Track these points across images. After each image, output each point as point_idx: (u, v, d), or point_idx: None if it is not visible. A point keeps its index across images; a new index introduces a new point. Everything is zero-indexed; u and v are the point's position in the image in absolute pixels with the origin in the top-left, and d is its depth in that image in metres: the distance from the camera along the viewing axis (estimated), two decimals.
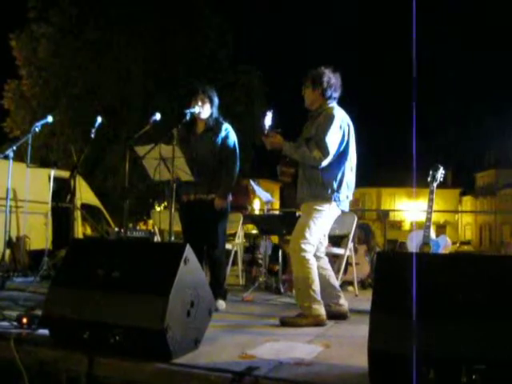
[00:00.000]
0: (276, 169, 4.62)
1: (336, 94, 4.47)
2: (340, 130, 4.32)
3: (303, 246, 4.23)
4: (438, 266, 2.72)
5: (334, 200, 4.33)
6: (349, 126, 4.42)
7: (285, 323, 4.16)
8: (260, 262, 7.10)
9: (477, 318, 2.46)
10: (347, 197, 4.44)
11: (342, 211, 4.48)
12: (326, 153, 4.21)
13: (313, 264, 4.26)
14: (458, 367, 2.37)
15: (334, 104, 4.47)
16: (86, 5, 20.32)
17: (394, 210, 53.67)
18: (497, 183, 55.44)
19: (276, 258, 6.78)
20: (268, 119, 4.43)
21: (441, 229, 43.96)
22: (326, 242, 4.63)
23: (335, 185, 4.34)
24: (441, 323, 2.49)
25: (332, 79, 4.42)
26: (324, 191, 4.32)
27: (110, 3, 20.43)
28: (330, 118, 4.30)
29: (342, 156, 4.36)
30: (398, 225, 47.17)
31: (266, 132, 4.40)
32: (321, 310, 4.20)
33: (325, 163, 4.25)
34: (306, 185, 4.42)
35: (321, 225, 4.34)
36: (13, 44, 20.77)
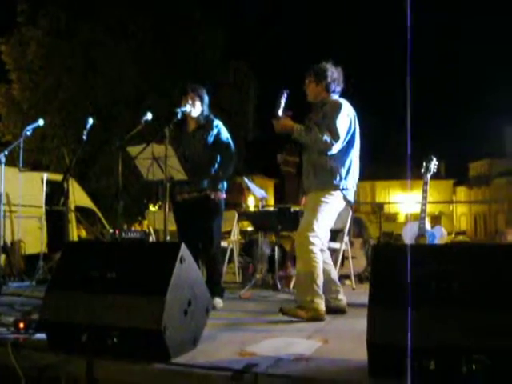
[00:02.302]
0: (270, 164, 4.59)
1: (339, 88, 4.52)
2: (347, 117, 4.36)
3: (311, 239, 4.22)
4: (434, 256, 2.72)
5: (342, 188, 4.34)
6: (354, 116, 4.47)
7: (284, 312, 4.16)
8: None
9: (475, 307, 2.46)
10: (353, 186, 4.47)
11: (349, 202, 4.47)
12: (336, 137, 4.23)
13: (319, 258, 4.26)
14: (457, 357, 2.37)
15: (337, 97, 4.51)
16: (75, 7, 20.24)
17: (388, 203, 53.66)
18: (490, 173, 55.55)
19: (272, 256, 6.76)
20: (283, 99, 4.42)
21: (436, 220, 44.05)
22: (328, 235, 4.63)
23: (343, 172, 4.35)
24: (439, 313, 2.49)
25: (335, 73, 4.48)
26: (332, 178, 4.33)
27: (100, 5, 20.37)
28: (337, 106, 4.35)
29: (349, 144, 4.40)
30: (392, 217, 47.15)
31: (279, 113, 4.38)
32: (321, 305, 4.20)
33: (335, 149, 4.26)
34: (312, 173, 4.42)
35: (328, 217, 4.34)
36: (2, 48, 20.68)
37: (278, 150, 4.55)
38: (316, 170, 4.39)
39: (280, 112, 4.39)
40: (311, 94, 4.55)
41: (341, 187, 4.34)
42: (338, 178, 4.33)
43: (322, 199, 4.32)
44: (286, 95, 4.44)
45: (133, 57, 20.65)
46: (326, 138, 4.22)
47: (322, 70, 4.46)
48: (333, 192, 4.33)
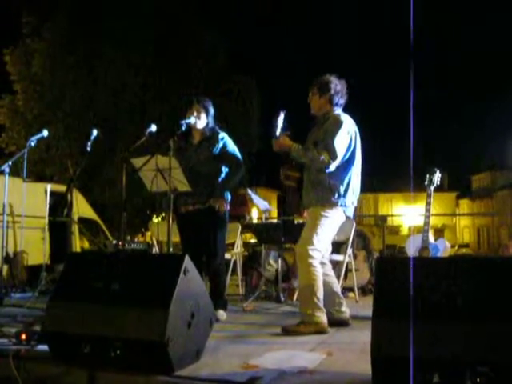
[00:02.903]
0: (273, 176, 4.62)
1: (342, 101, 4.52)
2: (348, 135, 4.35)
3: (311, 252, 4.22)
4: (437, 269, 2.71)
5: (341, 205, 4.34)
6: (356, 132, 4.45)
7: (287, 331, 4.14)
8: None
9: (479, 320, 2.45)
10: (352, 202, 4.46)
11: (347, 217, 4.47)
12: (334, 156, 4.23)
13: (319, 271, 4.26)
14: (462, 370, 2.36)
15: (340, 111, 4.51)
16: (79, 19, 20.36)
17: (391, 215, 53.62)
18: (493, 185, 55.49)
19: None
20: (280, 119, 4.43)
21: (439, 232, 43.93)
22: (330, 248, 4.63)
23: (342, 189, 4.35)
24: (443, 326, 2.48)
25: (338, 86, 4.47)
26: (330, 196, 4.33)
27: (103, 17, 20.48)
28: (338, 123, 4.34)
29: (348, 161, 4.39)
30: (395, 230, 47.08)
31: (277, 133, 4.39)
32: (323, 317, 4.18)
33: (333, 167, 4.26)
34: (311, 189, 4.42)
35: (328, 231, 4.34)
36: (7, 59, 20.80)
37: (281, 162, 4.56)
38: (315, 187, 4.40)
39: (278, 132, 4.41)
40: (315, 107, 4.55)
41: (339, 204, 4.34)
42: (336, 195, 4.34)
43: (322, 213, 4.32)
44: (282, 116, 4.45)
45: (136, 69, 20.75)
46: (324, 157, 4.22)
47: (326, 83, 4.47)
48: (333, 208, 4.34)
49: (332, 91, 4.44)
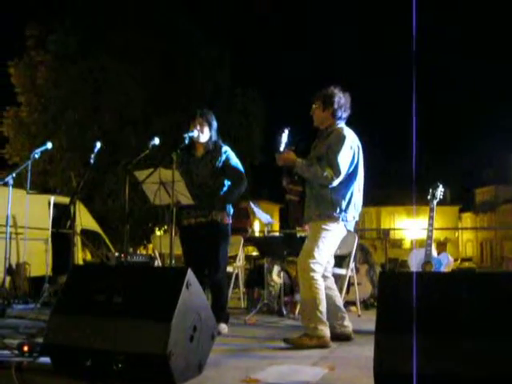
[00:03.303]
0: (276, 189, 4.62)
1: (346, 115, 4.50)
2: (350, 150, 4.33)
3: (312, 265, 4.21)
4: (441, 284, 2.71)
5: (342, 220, 4.33)
6: (358, 147, 4.44)
7: (289, 343, 4.13)
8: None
9: (482, 335, 2.44)
10: (354, 217, 4.44)
11: (349, 231, 4.47)
12: (337, 172, 4.22)
13: (321, 285, 4.25)
14: None
15: (343, 124, 4.49)
16: (83, 32, 20.48)
17: (394, 229, 53.57)
18: (496, 199, 55.46)
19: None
20: (284, 136, 4.45)
21: (442, 246, 43.89)
22: (332, 261, 4.62)
23: (344, 204, 4.33)
24: (446, 342, 2.47)
25: (342, 99, 4.44)
26: (332, 210, 4.32)
27: (108, 30, 20.60)
28: (341, 138, 4.32)
29: (351, 176, 4.38)
30: (398, 243, 47.04)
31: (281, 148, 4.41)
32: (326, 331, 4.17)
33: (336, 183, 4.26)
34: (313, 203, 4.41)
35: (329, 244, 4.34)
36: (11, 71, 20.90)
37: (282, 175, 4.56)
38: (317, 202, 4.39)
39: (282, 148, 4.43)
40: (317, 120, 4.53)
41: (341, 219, 4.33)
42: (338, 210, 4.32)
43: (323, 227, 4.32)
44: (286, 132, 4.47)
45: (140, 81, 20.82)
46: (327, 173, 4.22)
47: (330, 96, 4.44)
48: (334, 222, 4.34)
49: (336, 105, 4.41)
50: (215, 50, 22.47)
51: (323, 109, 4.46)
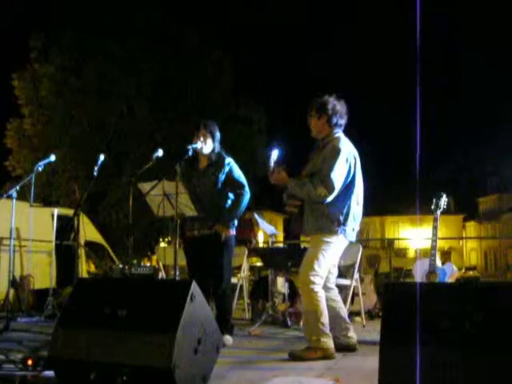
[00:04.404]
0: (279, 199, 4.61)
1: (342, 121, 4.44)
2: (346, 163, 4.28)
3: (312, 278, 4.19)
4: (446, 295, 2.70)
5: (341, 232, 4.30)
6: (355, 158, 4.38)
7: (294, 357, 4.11)
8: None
9: (489, 347, 2.43)
10: (353, 229, 4.40)
11: (350, 241, 4.45)
12: (331, 189, 4.18)
13: (321, 297, 4.23)
14: None
15: (340, 133, 4.44)
16: (86, 44, 20.59)
17: (398, 239, 53.51)
18: (500, 208, 55.39)
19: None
20: (274, 156, 4.44)
21: (446, 255, 43.69)
22: (336, 272, 4.60)
23: (341, 218, 4.29)
24: (452, 352, 2.46)
25: (337, 106, 4.40)
26: (330, 224, 4.28)
27: (111, 42, 20.71)
28: (336, 152, 4.26)
29: (348, 189, 4.33)
30: (402, 252, 46.91)
31: (271, 169, 4.41)
32: (329, 343, 4.15)
33: (329, 199, 4.22)
34: (311, 218, 4.37)
35: (329, 256, 4.31)
36: (15, 83, 21.01)
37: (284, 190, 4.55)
38: (315, 216, 4.35)
39: (272, 167, 4.43)
40: (314, 129, 4.48)
41: (339, 232, 4.29)
42: (336, 223, 4.28)
43: (323, 239, 4.29)
44: (275, 152, 4.46)
45: (143, 92, 20.90)
46: (319, 192, 4.18)
47: (323, 104, 4.39)
48: (333, 235, 4.31)
49: (330, 111, 4.36)
50: (217, 60, 22.57)
51: (318, 117, 4.42)
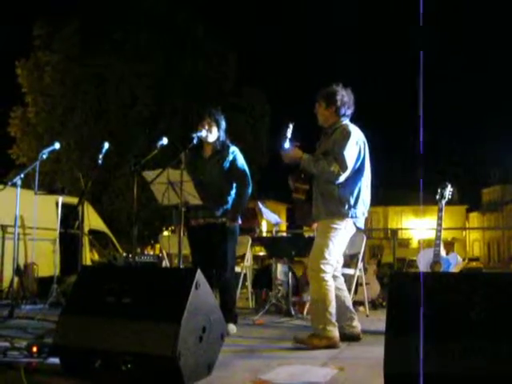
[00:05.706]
0: (283, 188, 4.60)
1: (349, 112, 4.46)
2: (356, 145, 4.30)
3: (322, 266, 4.19)
4: (451, 285, 2.69)
5: (351, 216, 4.29)
6: (364, 143, 4.41)
7: (298, 341, 4.12)
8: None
9: (493, 335, 2.43)
10: (363, 213, 4.40)
11: (358, 228, 4.44)
12: (344, 167, 4.18)
13: (331, 285, 4.23)
14: None
15: (347, 121, 4.45)
16: (89, 32, 20.54)
17: (402, 229, 53.49)
18: (503, 199, 55.31)
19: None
20: (289, 131, 4.43)
21: (449, 246, 43.73)
22: (342, 261, 4.59)
23: (352, 200, 4.30)
24: (457, 342, 2.45)
25: (345, 97, 4.41)
26: (340, 207, 4.28)
27: (114, 29, 20.66)
28: (346, 134, 4.28)
29: (358, 172, 4.34)
30: (405, 243, 46.94)
31: (286, 145, 4.39)
32: (335, 332, 4.16)
33: (342, 178, 4.22)
34: (321, 201, 4.37)
35: (338, 244, 4.30)
36: (18, 72, 20.99)
37: (289, 173, 4.53)
38: (325, 199, 4.35)
39: (287, 144, 4.41)
40: (321, 118, 4.49)
41: (350, 216, 4.29)
42: (346, 206, 4.28)
43: (332, 225, 4.28)
44: (291, 127, 4.44)
45: (146, 80, 20.85)
46: (334, 168, 4.18)
47: (332, 94, 4.40)
48: (343, 220, 4.31)
49: (338, 102, 4.37)
50: (222, 49, 22.50)
51: (326, 107, 4.43)
